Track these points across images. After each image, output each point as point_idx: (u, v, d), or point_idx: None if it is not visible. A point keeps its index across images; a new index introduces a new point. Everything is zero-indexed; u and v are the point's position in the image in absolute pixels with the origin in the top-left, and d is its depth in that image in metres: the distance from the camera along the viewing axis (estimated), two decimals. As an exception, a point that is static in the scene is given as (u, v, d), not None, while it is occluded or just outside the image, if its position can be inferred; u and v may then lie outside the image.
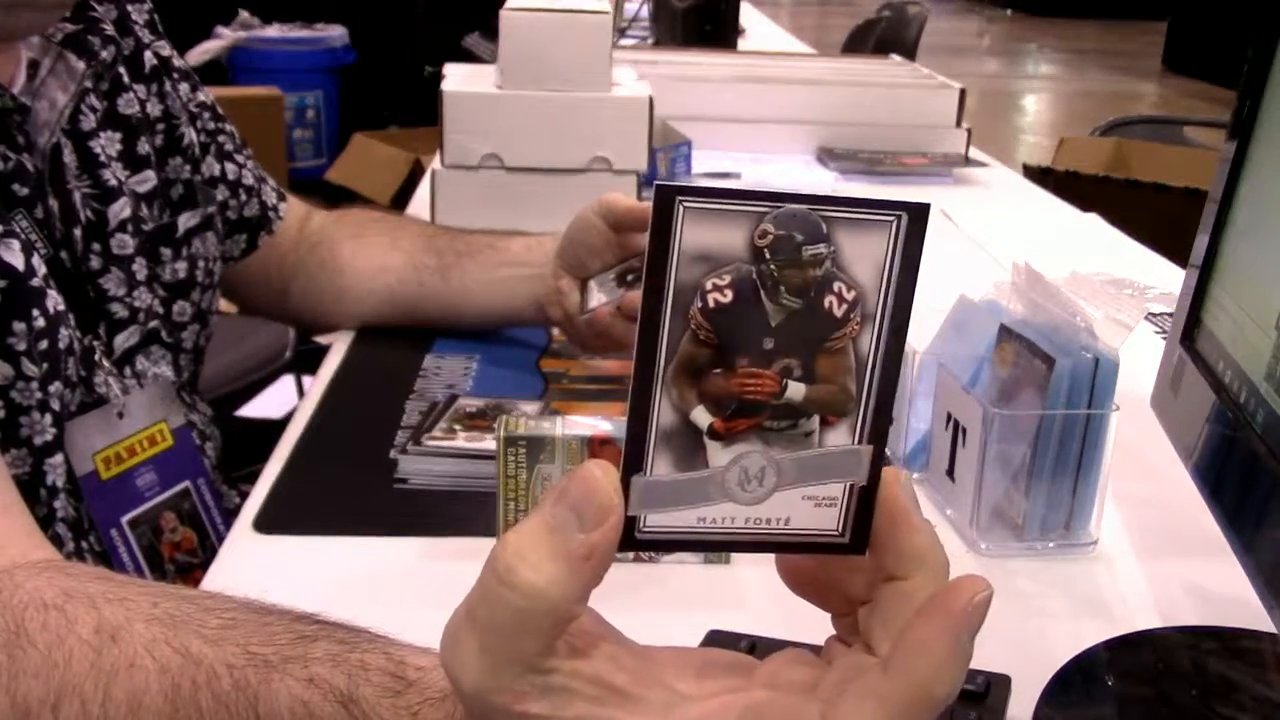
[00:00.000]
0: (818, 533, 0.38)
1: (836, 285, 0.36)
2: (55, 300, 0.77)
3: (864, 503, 0.38)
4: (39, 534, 0.68)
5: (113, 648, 0.52)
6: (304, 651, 0.50)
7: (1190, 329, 0.67)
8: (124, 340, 0.86)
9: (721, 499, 0.37)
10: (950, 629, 0.36)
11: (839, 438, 0.37)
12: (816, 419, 0.37)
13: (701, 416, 0.36)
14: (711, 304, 0.35)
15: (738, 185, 1.73)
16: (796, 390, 0.37)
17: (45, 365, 0.76)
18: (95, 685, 0.51)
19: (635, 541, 0.37)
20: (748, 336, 0.36)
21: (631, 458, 0.36)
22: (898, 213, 0.35)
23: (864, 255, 0.36)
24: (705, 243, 0.35)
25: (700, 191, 0.34)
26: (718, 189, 0.35)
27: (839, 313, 0.36)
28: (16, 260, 0.75)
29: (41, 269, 0.77)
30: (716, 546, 0.38)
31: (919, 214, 0.35)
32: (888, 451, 0.87)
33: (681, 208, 0.34)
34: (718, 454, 0.37)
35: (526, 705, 0.36)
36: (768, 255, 0.35)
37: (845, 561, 0.39)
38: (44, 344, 0.76)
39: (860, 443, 0.37)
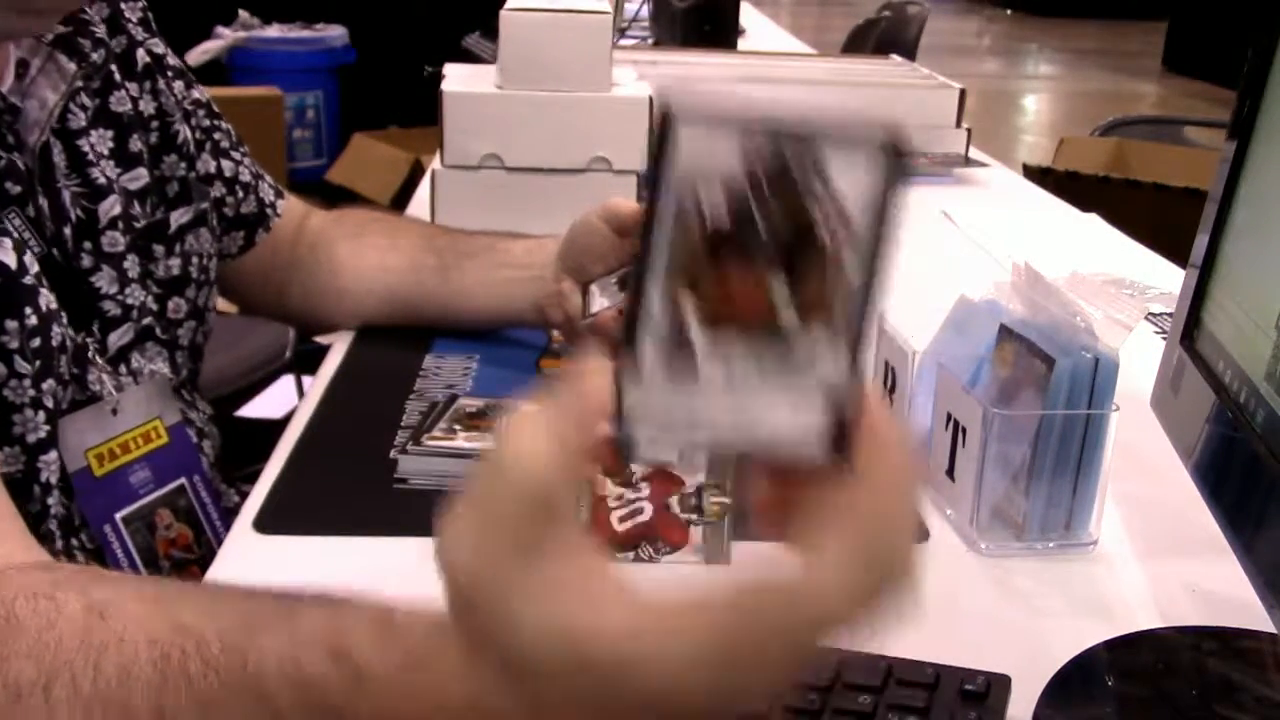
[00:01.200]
0: (801, 441, 0.39)
1: (825, 204, 0.37)
2: (48, 298, 0.78)
3: (845, 412, 0.39)
4: (30, 538, 0.68)
5: (102, 624, 0.52)
6: (291, 609, 0.50)
7: (1190, 329, 0.67)
8: (118, 338, 0.86)
9: (709, 394, 0.38)
10: (901, 440, 0.39)
11: (822, 348, 0.39)
12: (802, 329, 0.39)
13: (692, 321, 0.38)
14: (706, 216, 0.37)
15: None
16: (783, 299, 0.38)
17: (38, 363, 0.76)
18: (85, 661, 0.51)
19: (628, 443, 0.38)
20: (740, 249, 0.37)
21: (625, 359, 0.38)
22: (882, 133, 0.37)
23: (851, 172, 0.37)
24: (703, 157, 0.37)
25: (700, 108, 0.36)
26: (718, 106, 0.37)
27: (828, 231, 0.38)
28: (9, 258, 0.75)
29: (34, 267, 0.77)
30: (704, 448, 0.41)
31: (900, 138, 0.37)
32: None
33: (681, 124, 0.36)
34: (706, 355, 0.38)
35: (511, 602, 0.37)
36: (761, 173, 0.37)
37: (818, 474, 0.40)
38: (36, 341, 0.76)
39: (844, 361, 0.39)
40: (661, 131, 0.36)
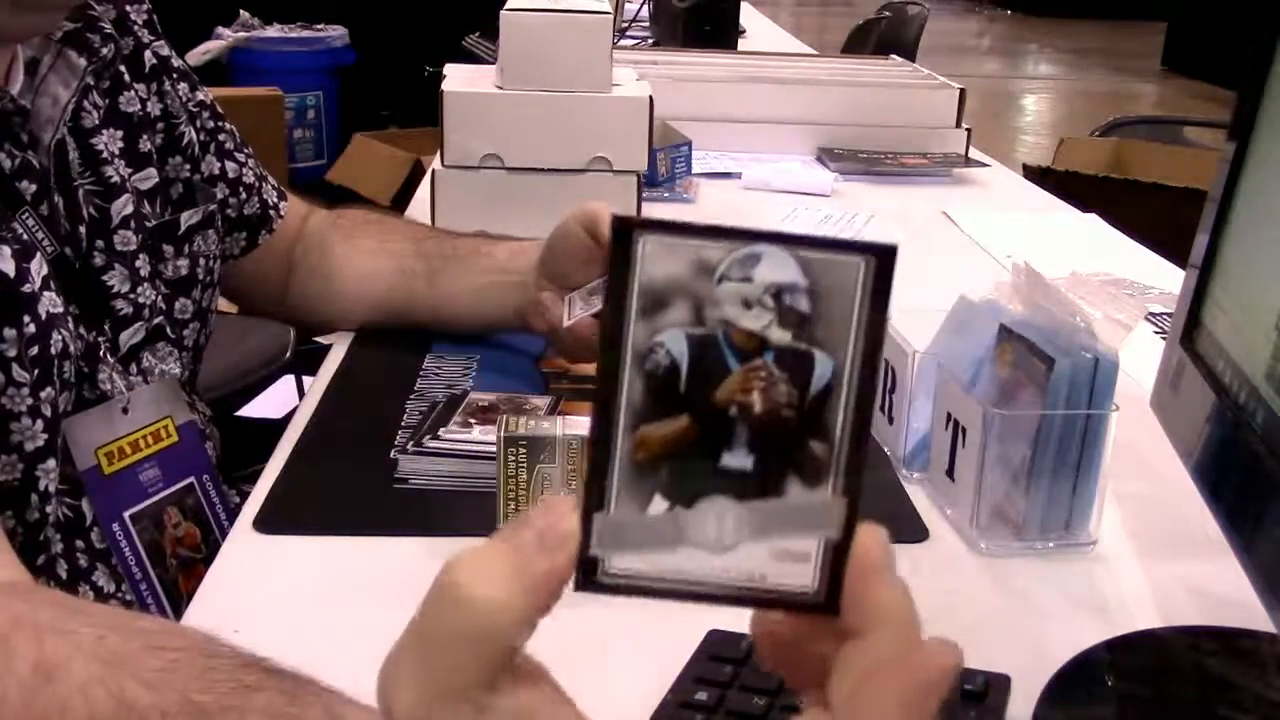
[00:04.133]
0: (789, 589, 0.36)
1: (800, 334, 0.35)
2: (50, 303, 0.77)
3: (838, 560, 0.36)
4: (9, 553, 0.69)
5: (47, 688, 0.52)
6: (243, 702, 0.49)
7: (1190, 329, 0.67)
8: (129, 337, 0.86)
9: (687, 546, 0.35)
10: (909, 693, 0.33)
11: (812, 490, 0.36)
12: (785, 473, 0.35)
13: (664, 464, 0.35)
14: (674, 355, 0.34)
15: (735, 185, 1.73)
16: (761, 443, 0.35)
17: (36, 371, 0.76)
18: None
19: (597, 584, 0.35)
20: (711, 391, 0.35)
21: (593, 496, 0.35)
22: (865, 254, 0.34)
23: (832, 298, 0.34)
24: (667, 281, 0.34)
25: (661, 226, 0.33)
26: (680, 224, 0.33)
27: (801, 374, 0.35)
28: (8, 267, 0.75)
29: (42, 270, 0.77)
30: (683, 596, 0.36)
31: (887, 256, 0.34)
32: (887, 452, 0.88)
33: (642, 242, 0.33)
34: (680, 497, 0.36)
35: None
36: (732, 297, 0.34)
37: (818, 625, 0.37)
38: (35, 349, 0.76)
39: (833, 494, 0.36)
40: (622, 254, 0.33)
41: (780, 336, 0.35)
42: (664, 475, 0.35)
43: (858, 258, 0.34)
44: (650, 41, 3.05)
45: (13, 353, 0.75)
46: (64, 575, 0.81)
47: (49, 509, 0.79)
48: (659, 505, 0.35)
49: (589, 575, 0.35)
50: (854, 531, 0.36)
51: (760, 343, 0.35)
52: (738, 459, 0.35)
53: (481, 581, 0.33)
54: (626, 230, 0.33)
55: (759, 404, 0.35)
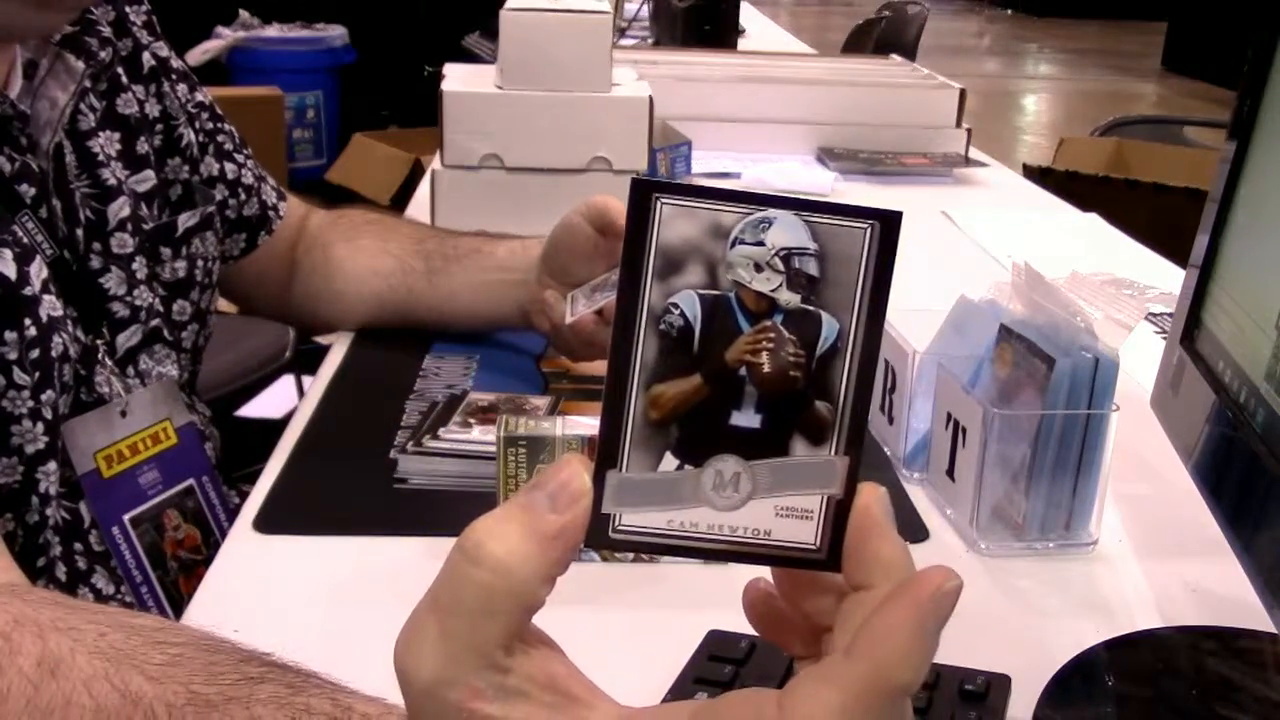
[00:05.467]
0: (793, 545, 0.37)
1: (809, 298, 0.36)
2: (50, 306, 0.77)
3: (840, 518, 0.37)
4: (6, 556, 0.68)
5: (51, 683, 0.51)
6: (248, 693, 0.49)
7: (1190, 329, 0.67)
8: (126, 339, 0.86)
9: (696, 503, 0.37)
10: (916, 615, 0.34)
11: (816, 449, 0.37)
12: (792, 431, 0.37)
13: (674, 425, 0.36)
14: (689, 317, 0.36)
15: (735, 185, 1.73)
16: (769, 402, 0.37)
17: (37, 374, 0.76)
18: None
19: (609, 540, 0.37)
20: (721, 353, 0.36)
21: (606, 455, 0.36)
22: (871, 221, 0.35)
23: (839, 262, 0.36)
24: (683, 244, 0.35)
25: (678, 190, 0.35)
26: (696, 187, 0.35)
27: (808, 337, 0.36)
28: (9, 270, 0.75)
29: (41, 274, 0.77)
30: (691, 553, 0.37)
31: (892, 222, 0.35)
32: (887, 452, 0.88)
33: (660, 206, 0.35)
34: (690, 456, 0.37)
35: (480, 704, 0.34)
36: (744, 260, 0.35)
37: (815, 586, 0.38)
38: (36, 352, 0.76)
39: (835, 454, 0.37)
40: (640, 217, 0.34)
41: (789, 299, 0.36)
42: (675, 434, 0.36)
43: (864, 223, 0.36)
44: (650, 41, 3.05)
45: (14, 356, 0.75)
46: (63, 578, 0.81)
47: (49, 512, 0.79)
48: (669, 463, 0.37)
49: (600, 531, 0.36)
50: (855, 490, 0.37)
51: (770, 304, 0.36)
52: (746, 418, 0.37)
53: (498, 540, 0.35)
54: (646, 193, 0.35)
55: (768, 364, 0.36)
